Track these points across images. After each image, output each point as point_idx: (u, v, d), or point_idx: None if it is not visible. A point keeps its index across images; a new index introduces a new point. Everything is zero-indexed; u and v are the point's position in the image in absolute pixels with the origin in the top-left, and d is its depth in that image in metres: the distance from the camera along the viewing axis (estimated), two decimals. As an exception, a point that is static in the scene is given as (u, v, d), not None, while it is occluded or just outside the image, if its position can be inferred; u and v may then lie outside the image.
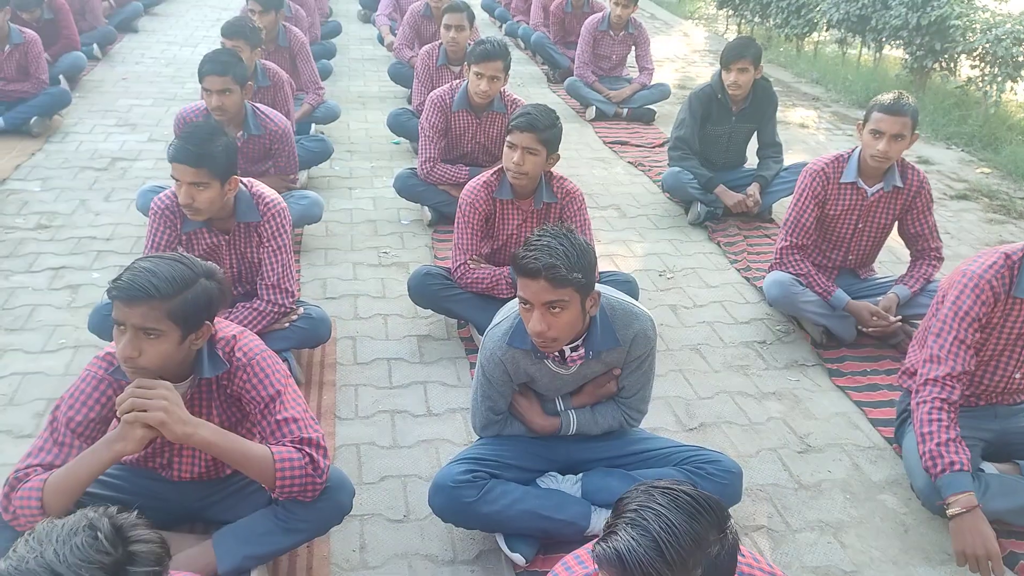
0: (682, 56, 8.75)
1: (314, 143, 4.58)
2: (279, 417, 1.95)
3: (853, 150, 3.35)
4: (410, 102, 6.01)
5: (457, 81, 4.20)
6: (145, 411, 1.76)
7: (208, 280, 1.88)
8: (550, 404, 2.36)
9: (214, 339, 1.97)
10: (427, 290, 3.11)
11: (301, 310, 2.90)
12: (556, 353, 2.19)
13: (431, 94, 4.17)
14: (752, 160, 4.75)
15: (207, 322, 1.88)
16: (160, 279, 1.77)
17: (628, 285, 3.22)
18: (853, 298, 3.31)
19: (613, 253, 4.09)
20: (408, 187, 4.19)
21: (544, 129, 2.97)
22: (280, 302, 2.82)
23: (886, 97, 3.18)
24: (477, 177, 3.18)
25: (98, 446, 1.82)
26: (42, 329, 3.13)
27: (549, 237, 2.03)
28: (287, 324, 2.86)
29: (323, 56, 6.76)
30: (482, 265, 3.16)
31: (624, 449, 2.37)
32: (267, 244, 2.82)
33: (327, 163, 4.79)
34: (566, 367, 2.24)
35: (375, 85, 6.82)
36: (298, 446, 1.93)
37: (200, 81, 3.50)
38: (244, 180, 2.84)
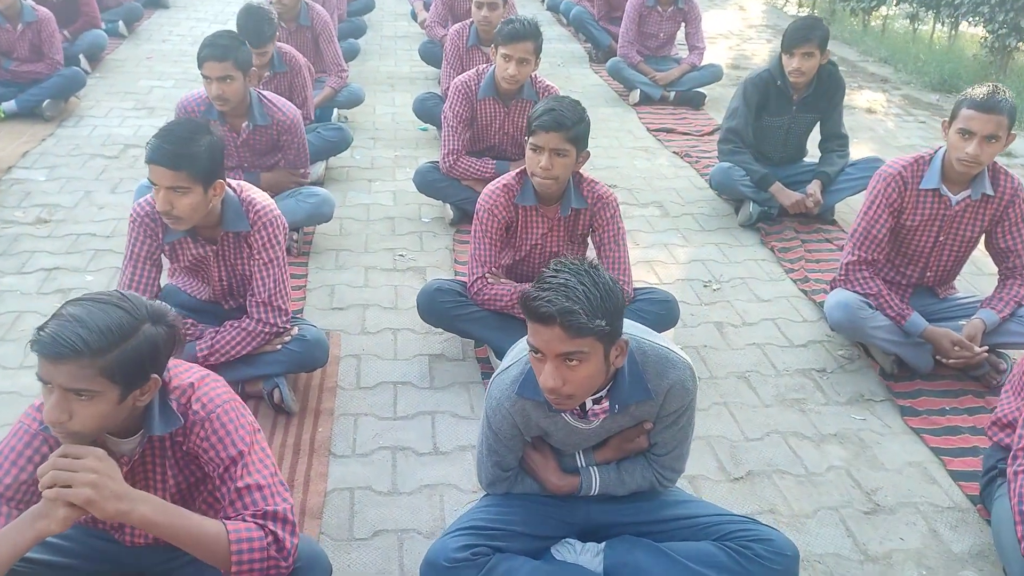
0: (737, 32, 8.17)
1: (332, 132, 4.25)
2: (240, 484, 1.63)
3: (936, 151, 2.88)
4: (439, 83, 5.66)
5: (484, 66, 3.82)
6: (69, 486, 1.46)
7: (154, 325, 1.56)
8: (569, 459, 2.01)
9: (167, 388, 1.66)
10: (439, 308, 2.77)
11: (295, 330, 2.58)
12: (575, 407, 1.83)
13: (455, 80, 3.80)
14: (813, 154, 4.28)
15: (154, 375, 1.57)
16: (91, 331, 1.46)
17: (666, 305, 2.83)
18: (931, 322, 2.87)
19: (652, 259, 3.69)
20: (429, 183, 3.84)
21: (572, 126, 2.59)
22: (271, 321, 2.51)
23: (978, 91, 2.70)
24: (496, 180, 2.81)
25: (21, 522, 1.52)
26: (23, 340, 2.89)
27: (567, 273, 1.66)
28: (279, 346, 2.55)
29: (351, 35, 6.44)
30: (501, 280, 2.80)
31: (656, 514, 2.00)
32: (257, 257, 2.51)
33: (347, 152, 4.46)
34: (587, 421, 1.88)
35: (406, 65, 6.46)
36: (260, 521, 1.61)
37: (199, 68, 3.19)
38: (232, 184, 2.52)
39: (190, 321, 2.57)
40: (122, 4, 6.73)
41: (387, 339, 3.02)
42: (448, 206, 3.87)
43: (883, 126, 5.64)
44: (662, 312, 2.81)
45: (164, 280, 2.67)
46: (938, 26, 7.72)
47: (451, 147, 3.78)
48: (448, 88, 4.77)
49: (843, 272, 2.95)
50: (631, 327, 1.87)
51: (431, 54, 5.88)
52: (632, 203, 4.23)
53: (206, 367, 2.49)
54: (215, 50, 3.13)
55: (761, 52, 7.47)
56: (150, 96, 5.44)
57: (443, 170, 3.81)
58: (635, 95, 5.77)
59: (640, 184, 4.49)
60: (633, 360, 1.82)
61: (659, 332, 2.94)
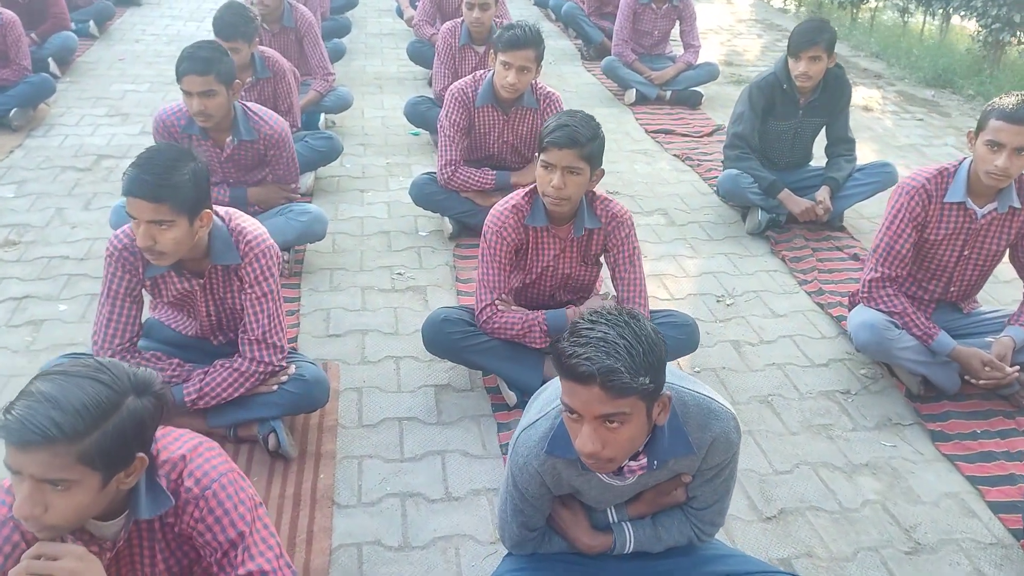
0: (727, 28, 8.03)
1: (321, 141, 4.04)
2: (242, 571, 1.46)
3: (960, 163, 2.74)
4: (431, 84, 5.46)
5: (481, 72, 3.63)
6: None
7: (139, 397, 1.38)
8: (600, 514, 1.85)
9: (155, 463, 1.48)
10: (446, 341, 2.59)
11: (292, 368, 2.40)
12: (611, 465, 1.67)
13: (451, 87, 3.61)
14: (818, 157, 4.14)
15: (140, 454, 1.39)
16: (66, 412, 1.27)
17: (687, 329, 2.68)
18: (955, 337, 2.75)
19: (662, 272, 3.53)
20: (426, 196, 3.65)
21: (587, 142, 2.42)
22: (266, 360, 2.33)
23: (1007, 101, 2.56)
24: (504, 201, 2.63)
25: None
26: (-6, 380, 2.68)
27: (605, 325, 1.49)
28: (275, 387, 2.36)
29: (336, 34, 6.20)
30: (512, 308, 2.63)
31: (694, 571, 1.86)
32: (249, 291, 2.31)
33: (337, 160, 4.25)
34: (622, 478, 1.72)
35: (393, 65, 6.24)
36: None
37: (178, 82, 2.98)
38: (220, 211, 2.32)
39: (176, 360, 2.37)
40: (93, 3, 6.43)
41: (389, 369, 2.84)
42: (447, 219, 3.69)
43: (881, 124, 5.52)
44: (682, 337, 2.66)
45: (146, 314, 2.48)
46: (928, 19, 7.63)
47: (449, 157, 3.60)
48: (440, 88, 4.62)
49: (866, 289, 2.81)
50: (668, 373, 1.71)
51: (420, 54, 5.68)
52: (636, 211, 4.07)
53: (195, 411, 2.35)
54: (195, 63, 2.92)
55: (753, 48, 7.33)
56: (123, 101, 5.18)
57: (441, 182, 3.63)
58: (631, 95, 5.60)
59: (643, 190, 4.34)
60: (673, 412, 1.66)
61: (676, 358, 2.85)
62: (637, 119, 5.37)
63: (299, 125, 4.18)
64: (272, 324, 2.34)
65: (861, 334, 2.73)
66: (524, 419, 1.81)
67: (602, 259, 2.78)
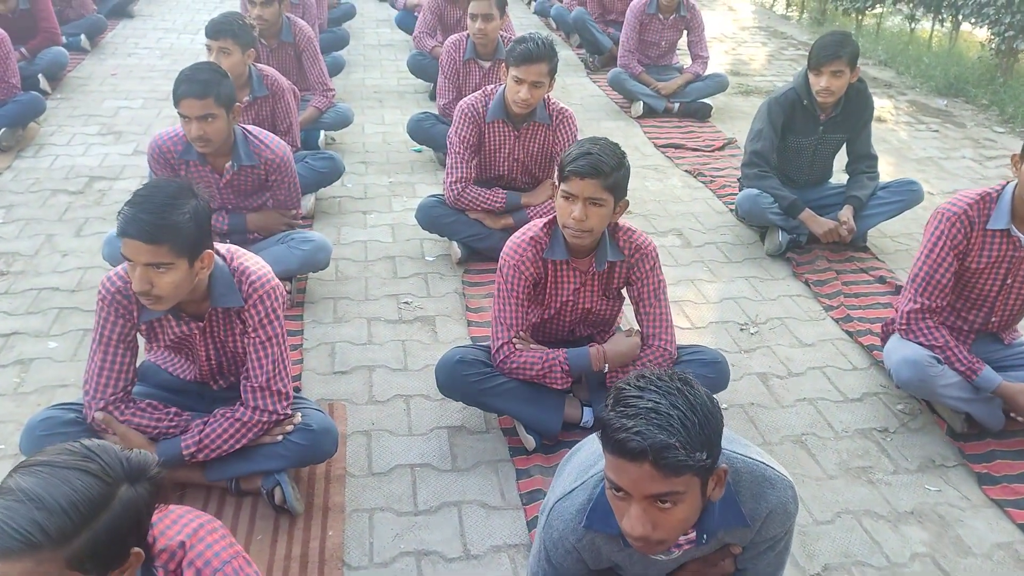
0: (730, 35, 7.90)
1: (321, 162, 3.88)
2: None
3: (1003, 187, 2.59)
4: (432, 98, 5.31)
5: (492, 87, 3.47)
6: None
7: (134, 485, 1.21)
8: (640, 585, 1.70)
9: (152, 553, 1.32)
10: (461, 384, 2.42)
11: (298, 417, 2.23)
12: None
13: (461, 103, 3.45)
14: (838, 174, 4.00)
15: (135, 549, 1.22)
16: (52, 512, 1.10)
17: (717, 367, 2.52)
18: (996, 369, 2.60)
19: (681, 299, 3.38)
20: (433, 220, 3.49)
21: (611, 172, 2.27)
22: (270, 408, 2.16)
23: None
24: (521, 232, 2.48)
25: None
26: (-21, 427, 2.50)
27: (655, 393, 1.33)
28: (280, 437, 2.19)
29: (334, 47, 6.05)
30: (531, 346, 2.47)
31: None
32: (252, 335, 2.15)
33: (338, 181, 4.09)
34: (668, 552, 1.57)
35: (393, 77, 6.08)
36: None
37: (175, 105, 2.81)
38: (221, 250, 2.16)
39: (173, 409, 2.20)
40: (84, 16, 6.26)
41: (399, 409, 2.67)
42: (454, 243, 3.53)
43: (896, 136, 5.38)
44: (712, 375, 2.51)
45: (141, 356, 2.31)
46: (938, 27, 7.51)
47: (458, 175, 3.44)
48: (445, 104, 4.47)
49: (904, 321, 2.66)
50: (727, 453, 1.55)
51: (420, 67, 5.52)
52: (650, 231, 3.92)
53: (193, 463, 2.19)
54: (193, 86, 2.76)
55: (758, 56, 7.20)
56: (116, 119, 5.01)
57: (449, 200, 3.47)
58: (638, 107, 5.45)
59: (656, 209, 4.18)
60: (726, 482, 1.50)
61: None
62: (645, 133, 5.22)
63: (299, 145, 4.02)
64: (276, 370, 2.18)
65: (903, 371, 2.57)
66: (557, 486, 1.65)
67: (624, 292, 2.63)
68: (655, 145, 5.02)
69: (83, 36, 6.12)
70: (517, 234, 2.49)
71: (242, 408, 2.16)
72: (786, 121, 3.73)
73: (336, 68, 5.58)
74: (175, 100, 2.80)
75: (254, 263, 2.19)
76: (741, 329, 3.21)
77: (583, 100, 5.79)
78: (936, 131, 5.53)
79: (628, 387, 1.37)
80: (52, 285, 3.25)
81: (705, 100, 5.50)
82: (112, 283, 2.11)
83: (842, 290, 3.48)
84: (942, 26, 7.49)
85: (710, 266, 3.67)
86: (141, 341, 2.23)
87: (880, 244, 3.89)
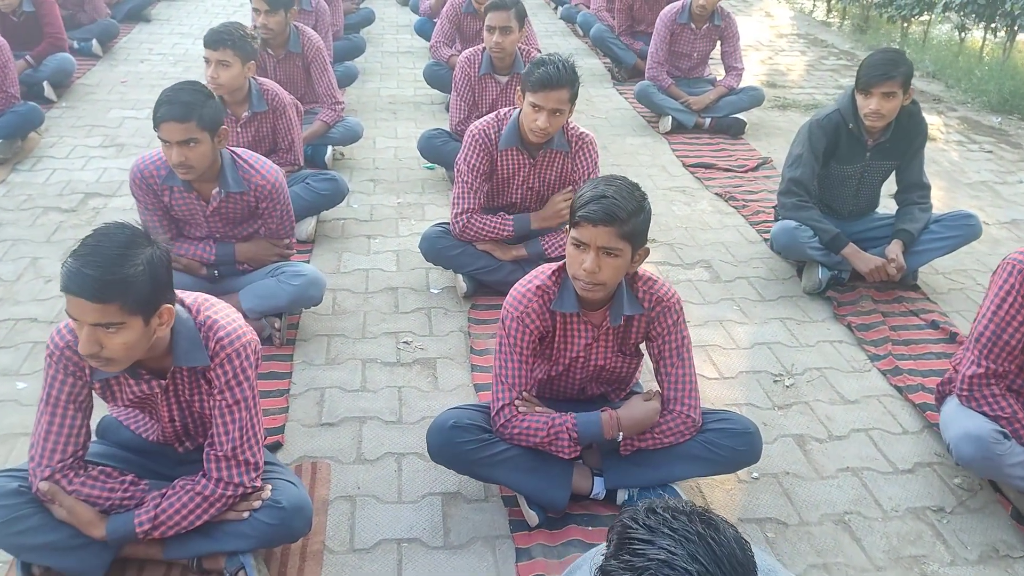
0: (767, 43, 7.53)
1: (323, 183, 3.63)
2: None
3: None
4: (448, 109, 5.04)
5: (506, 110, 3.19)
6: None
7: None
8: None
9: None
10: (456, 452, 2.14)
11: (267, 492, 1.96)
12: None
13: (471, 128, 3.17)
14: (884, 204, 3.66)
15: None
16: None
17: (747, 439, 2.21)
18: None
19: (708, 343, 3.07)
20: (437, 252, 3.21)
21: (628, 218, 1.97)
22: (236, 481, 1.90)
23: None
24: (527, 280, 2.19)
25: None
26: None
27: (670, 539, 1.04)
28: (246, 513, 1.93)
29: (349, 55, 5.82)
30: (536, 409, 2.19)
31: None
32: (219, 398, 1.90)
33: (343, 201, 3.83)
34: None
35: (409, 87, 5.83)
36: None
37: (155, 129, 2.57)
38: (187, 299, 1.91)
39: (129, 477, 1.95)
40: (96, 21, 6.10)
41: (389, 470, 2.40)
42: (460, 276, 3.25)
43: (947, 157, 5.00)
44: (741, 448, 2.20)
45: (103, 409, 2.07)
46: (990, 37, 7.07)
47: (465, 206, 3.17)
48: (458, 123, 4.20)
49: (967, 387, 2.32)
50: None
51: (436, 77, 5.26)
52: (676, 263, 3.62)
53: (153, 539, 1.94)
54: (174, 108, 2.52)
55: (796, 66, 6.83)
56: (120, 130, 4.82)
57: (454, 232, 3.19)
58: (666, 123, 5.14)
59: (682, 237, 3.87)
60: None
61: (734, 471, 2.38)
62: (674, 150, 4.90)
63: (301, 163, 3.79)
64: (244, 438, 1.92)
65: (964, 448, 2.23)
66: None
67: (642, 347, 2.33)
68: (683, 164, 4.70)
69: (95, 41, 5.96)
70: (522, 282, 2.21)
71: (204, 480, 1.91)
72: (829, 146, 3.39)
73: (349, 78, 5.35)
74: (155, 123, 2.56)
75: (224, 316, 1.93)
76: (775, 381, 2.89)
77: (608, 113, 5.48)
78: (990, 152, 5.14)
79: (636, 526, 1.08)
80: (30, 315, 3.04)
81: (739, 115, 5.16)
82: (61, 337, 1.86)
83: (890, 336, 3.14)
84: (995, 36, 7.06)
85: (741, 305, 3.35)
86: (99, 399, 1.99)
87: (932, 282, 3.54)
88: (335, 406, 2.65)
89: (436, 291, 3.33)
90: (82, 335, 1.71)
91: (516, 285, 2.21)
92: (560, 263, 2.19)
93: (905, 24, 7.87)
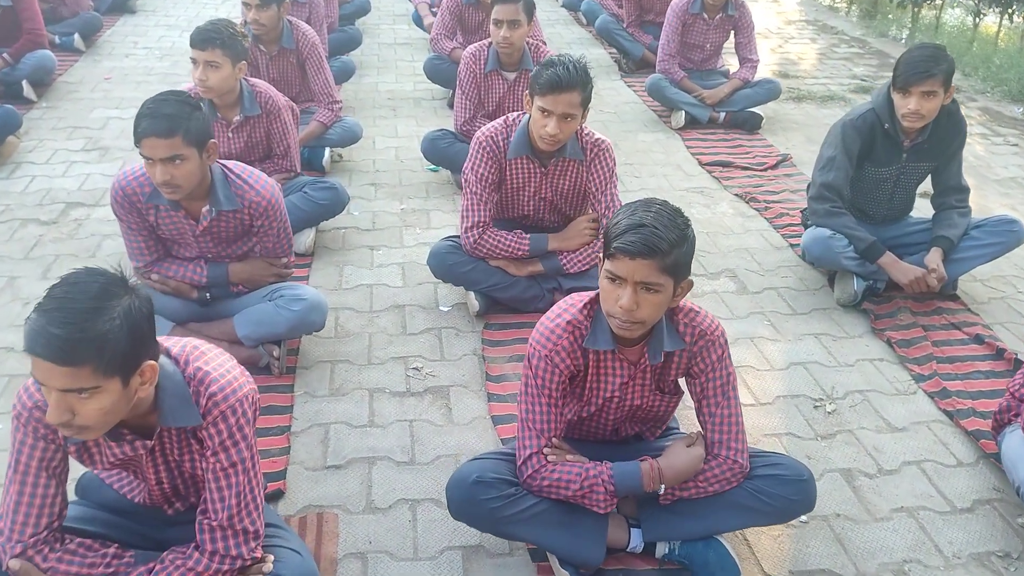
0: (775, 31, 7.28)
1: (323, 192, 3.39)
2: None
3: None
4: (451, 106, 4.81)
5: (515, 115, 2.95)
6: None
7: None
8: None
9: None
10: (479, 510, 1.92)
11: (269, 562, 1.75)
12: None
13: (478, 135, 2.93)
14: (919, 208, 3.45)
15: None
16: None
17: (801, 487, 1.99)
18: None
19: (740, 363, 2.85)
20: (447, 268, 2.98)
21: (669, 250, 1.75)
22: (232, 553, 1.68)
23: None
24: (555, 314, 1.96)
25: None
26: None
27: None
28: (246, 590, 1.72)
29: (345, 47, 5.56)
30: (567, 458, 1.97)
31: None
32: (212, 460, 1.67)
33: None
34: None
35: (409, 81, 5.57)
36: None
37: (136, 144, 2.33)
38: (174, 348, 1.68)
39: (112, 549, 1.72)
40: (79, 14, 5.80)
41: (402, 520, 2.18)
42: (472, 294, 3.03)
43: (971, 151, 4.77)
44: (795, 497, 1.99)
45: (79, 469, 1.85)
46: (1006, 22, 6.83)
47: (475, 219, 2.93)
48: (463, 122, 3.97)
49: (1035, 422, 2.12)
50: None
51: (437, 71, 5.00)
52: (699, 273, 3.39)
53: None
54: (156, 122, 2.27)
55: (808, 55, 6.59)
56: (104, 131, 4.55)
57: (466, 248, 2.97)
58: (679, 117, 4.90)
59: (704, 244, 3.64)
60: None
61: (786, 521, 2.17)
62: (688, 147, 4.67)
63: (298, 170, 3.55)
64: (242, 504, 1.70)
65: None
66: None
67: (681, 382, 2.12)
68: (700, 163, 4.47)
69: (77, 35, 5.68)
70: (550, 316, 1.98)
71: (197, 553, 1.68)
72: (863, 148, 3.17)
73: (346, 74, 5.09)
74: (136, 139, 2.31)
75: (216, 367, 1.70)
76: (815, 406, 2.68)
77: (617, 108, 5.24)
78: (1015, 145, 4.92)
79: None
80: (6, 344, 2.80)
81: (754, 109, 4.93)
82: (29, 396, 1.63)
83: (933, 353, 2.93)
84: (1011, 21, 6.83)
85: (772, 319, 3.13)
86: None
87: (971, 291, 3.33)
88: (341, 445, 2.43)
89: (446, 309, 3.11)
90: (51, 401, 1.48)
91: (543, 319, 1.99)
92: (592, 294, 1.97)
93: (916, 9, 7.63)
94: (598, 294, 1.93)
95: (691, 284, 1.88)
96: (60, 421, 1.49)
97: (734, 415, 2.01)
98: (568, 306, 1.98)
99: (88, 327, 1.43)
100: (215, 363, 1.71)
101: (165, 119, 2.27)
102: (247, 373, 1.78)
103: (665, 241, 1.75)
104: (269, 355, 2.67)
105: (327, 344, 2.88)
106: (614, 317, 1.83)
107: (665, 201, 1.86)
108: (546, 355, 1.94)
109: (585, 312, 1.95)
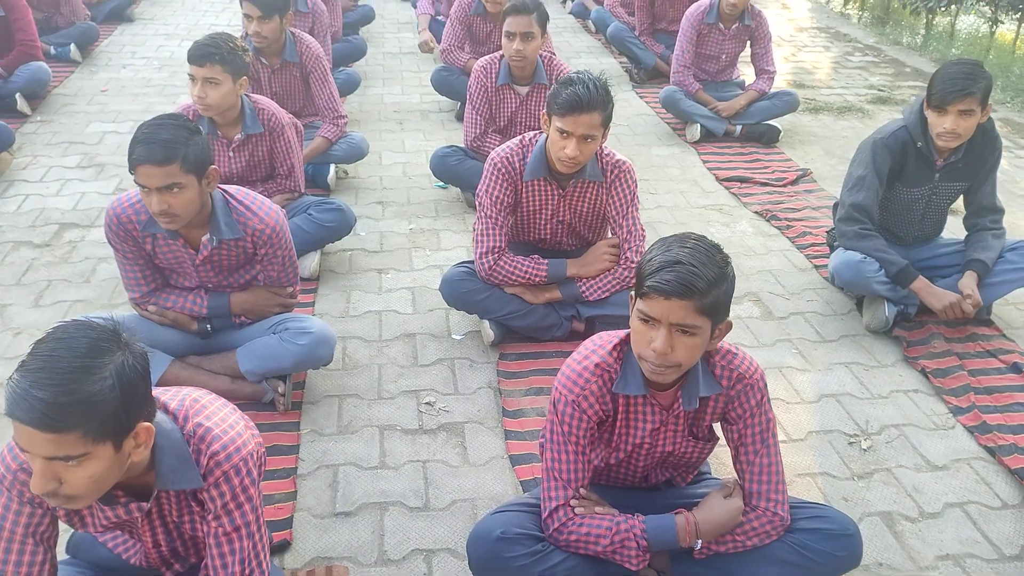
0: (788, 38, 7.14)
1: (328, 214, 3.25)
2: None
3: None
4: (460, 118, 4.68)
5: (531, 135, 2.81)
6: None
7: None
8: None
9: None
10: (504, 568, 1.76)
11: (278, 634, 1.62)
12: None
13: (492, 155, 2.79)
14: (950, 228, 3.31)
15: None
16: None
17: (846, 542, 1.85)
18: None
19: (770, 395, 2.70)
20: (461, 296, 2.84)
21: (708, 289, 1.61)
22: (239, 627, 1.55)
23: None
24: (582, 355, 1.82)
25: None
26: None
27: None
28: (251, 665, 1.58)
29: (350, 58, 5.45)
30: (596, 510, 1.83)
31: None
32: (214, 524, 1.53)
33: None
34: None
35: (415, 93, 5.43)
36: None
37: (131, 171, 2.19)
38: (172, 402, 1.54)
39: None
40: (75, 24, 5.67)
41: (417, 572, 2.04)
42: (486, 322, 2.89)
43: (995, 164, 4.63)
44: (840, 553, 1.85)
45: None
46: (1023, 30, 6.70)
47: (490, 244, 2.79)
48: (474, 139, 3.83)
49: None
50: None
51: (445, 83, 4.86)
52: (720, 297, 3.24)
53: None
54: (152, 149, 2.13)
55: (822, 63, 6.45)
56: (100, 147, 4.41)
57: (481, 274, 2.82)
58: (694, 131, 4.76)
59: (724, 265, 3.50)
60: None
61: None
62: (705, 162, 4.53)
63: (302, 190, 3.41)
64: (247, 570, 1.55)
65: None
66: None
67: (717, 426, 1.98)
68: (717, 178, 4.33)
69: (73, 46, 5.53)
70: (576, 358, 1.84)
71: (197, 629, 1.55)
72: (894, 167, 3.03)
73: (350, 86, 4.95)
74: (130, 166, 2.17)
75: (219, 421, 1.56)
76: (850, 443, 2.54)
77: (629, 120, 5.10)
78: (1039, 157, 4.79)
79: None
80: (-4, 378, 2.66)
81: (772, 122, 4.79)
82: (14, 457, 1.49)
83: (970, 384, 2.79)
84: (1026, 28, 6.69)
85: (799, 347, 2.99)
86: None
87: (1005, 315, 3.19)
88: (351, 489, 2.28)
89: (459, 337, 2.97)
90: (35, 469, 1.34)
91: (569, 362, 1.85)
92: (621, 334, 1.83)
93: (930, 16, 7.49)
94: (628, 335, 1.79)
95: (730, 325, 1.74)
96: (45, 491, 1.35)
97: (774, 464, 1.87)
98: (596, 347, 1.84)
99: (76, 389, 1.29)
100: (217, 417, 1.57)
101: (161, 145, 2.13)
102: (252, 426, 1.64)
103: (703, 280, 1.61)
104: (274, 391, 2.53)
105: (335, 377, 2.73)
106: (646, 361, 1.69)
107: (702, 236, 1.72)
108: (573, 400, 1.80)
109: (615, 354, 1.81)
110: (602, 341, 1.86)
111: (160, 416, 1.50)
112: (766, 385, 1.87)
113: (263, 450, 1.64)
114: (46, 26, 5.51)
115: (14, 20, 4.63)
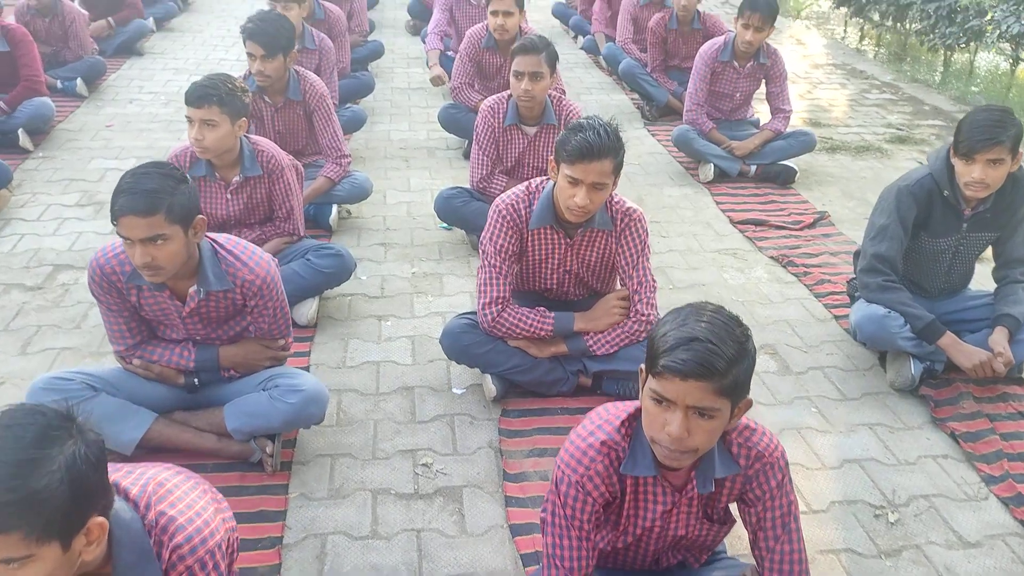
0: (803, 75, 7.04)
1: (327, 260, 3.13)
2: None
3: None
4: (467, 156, 4.58)
5: (538, 181, 2.70)
6: None
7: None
8: None
9: None
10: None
11: None
12: None
13: (497, 202, 2.67)
14: (978, 277, 3.15)
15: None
16: None
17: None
18: None
19: (788, 460, 2.54)
20: (462, 349, 2.70)
21: (727, 369, 1.47)
22: None
23: None
24: (587, 431, 1.67)
25: None
26: None
27: None
28: None
29: (357, 94, 5.38)
30: (601, 605, 1.67)
31: None
32: (176, 624, 1.39)
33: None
34: None
35: (423, 129, 5.35)
36: None
37: (112, 222, 2.09)
38: (133, 491, 1.40)
39: None
40: (82, 58, 5.64)
41: (407, 662, 1.89)
42: (489, 376, 2.74)
43: (1020, 207, 4.47)
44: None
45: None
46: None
47: (493, 295, 2.66)
48: (479, 179, 3.73)
49: None
50: None
51: (453, 121, 4.78)
52: (735, 350, 3.09)
53: None
54: (135, 199, 2.02)
55: (839, 101, 6.33)
56: (101, 184, 4.33)
57: (483, 326, 2.69)
58: (707, 171, 4.64)
59: (740, 315, 3.31)
60: None
61: None
62: (718, 203, 4.40)
63: (302, 233, 3.30)
64: (212, 675, 1.41)
65: None
66: None
67: (733, 506, 1.82)
68: (731, 221, 4.19)
69: (80, 80, 5.50)
70: (581, 434, 1.70)
71: None
72: (920, 216, 2.89)
73: (356, 123, 4.86)
74: (112, 217, 2.07)
75: (184, 509, 1.42)
76: (876, 515, 2.36)
77: (641, 158, 4.99)
78: (1066, 200, 4.61)
79: None
80: (-26, 431, 2.53)
81: (787, 162, 4.66)
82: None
83: (1003, 449, 2.61)
84: (1050, 66, 6.57)
85: (820, 406, 2.83)
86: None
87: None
88: (339, 562, 2.13)
89: (459, 391, 2.82)
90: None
91: (573, 437, 1.70)
92: (630, 408, 1.68)
93: (948, 53, 7.39)
94: (638, 408, 1.65)
95: (750, 403, 1.59)
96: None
97: (796, 552, 1.71)
98: (602, 422, 1.70)
99: (18, 486, 1.16)
100: (183, 504, 1.43)
101: (144, 195, 2.03)
102: (224, 507, 1.51)
103: (722, 359, 1.47)
104: (262, 451, 2.39)
105: (327, 435, 2.59)
106: (660, 445, 1.55)
107: (719, 307, 1.58)
108: (576, 481, 1.65)
109: (623, 431, 1.67)
110: (609, 415, 1.71)
111: (119, 504, 1.37)
112: (787, 464, 1.71)
113: (236, 535, 1.51)
114: (54, 60, 5.48)
115: (19, 55, 4.59)
